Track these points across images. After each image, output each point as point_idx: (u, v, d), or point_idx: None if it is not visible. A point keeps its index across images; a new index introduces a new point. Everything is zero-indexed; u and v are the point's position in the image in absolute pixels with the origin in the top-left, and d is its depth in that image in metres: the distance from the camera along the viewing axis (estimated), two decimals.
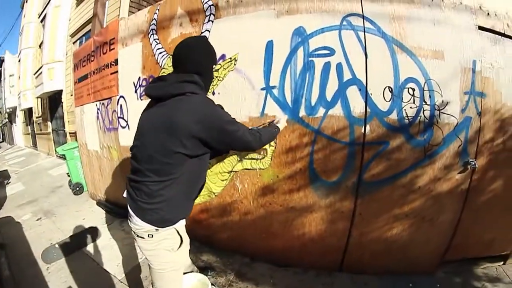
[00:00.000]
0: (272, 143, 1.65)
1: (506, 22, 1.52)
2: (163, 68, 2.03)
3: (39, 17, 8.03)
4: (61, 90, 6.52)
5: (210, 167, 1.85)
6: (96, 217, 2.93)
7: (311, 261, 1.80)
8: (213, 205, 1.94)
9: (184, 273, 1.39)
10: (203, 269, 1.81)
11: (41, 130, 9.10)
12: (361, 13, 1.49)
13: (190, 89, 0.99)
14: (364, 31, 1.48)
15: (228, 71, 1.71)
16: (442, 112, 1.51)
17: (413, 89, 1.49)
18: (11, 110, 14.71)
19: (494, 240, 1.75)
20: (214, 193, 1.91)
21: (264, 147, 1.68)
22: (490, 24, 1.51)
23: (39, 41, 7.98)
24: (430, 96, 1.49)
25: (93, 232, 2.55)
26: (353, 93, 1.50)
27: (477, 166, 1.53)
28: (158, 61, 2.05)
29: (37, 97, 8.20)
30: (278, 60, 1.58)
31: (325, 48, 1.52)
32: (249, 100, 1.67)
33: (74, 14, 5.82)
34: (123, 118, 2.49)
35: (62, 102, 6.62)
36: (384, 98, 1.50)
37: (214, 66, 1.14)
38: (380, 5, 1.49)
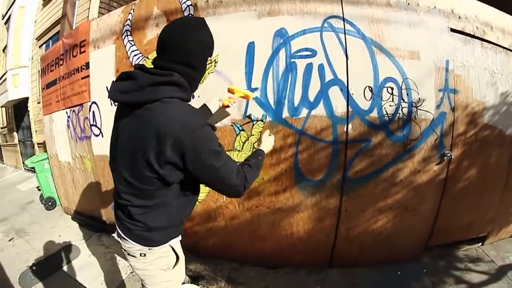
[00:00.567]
0: (256, 145, 1.63)
1: (475, 24, 1.68)
2: None
3: (2, 18, 7.42)
4: (27, 98, 6.06)
5: None
6: (73, 232, 2.75)
7: (301, 260, 1.82)
8: (197, 213, 1.89)
9: None
10: (193, 279, 1.76)
11: (6, 141, 8.41)
12: (342, 16, 1.55)
13: (169, 93, 0.76)
14: (345, 33, 1.54)
15: (208, 73, 1.67)
16: (419, 109, 1.61)
17: (392, 88, 1.57)
18: None
19: (472, 223, 1.90)
20: (197, 200, 1.86)
21: (248, 151, 1.66)
22: (461, 27, 1.65)
23: (3, 44, 7.38)
24: (407, 94, 1.58)
25: (72, 249, 2.39)
26: (335, 93, 1.55)
27: (452, 157, 1.65)
28: (133, 64, 1.97)
29: (1, 106, 7.57)
30: (259, 62, 1.58)
31: (307, 49, 1.55)
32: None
33: (41, 15, 5.43)
34: (96, 125, 2.35)
35: (28, 111, 6.15)
36: (364, 97, 1.56)
37: (209, 58, 0.88)
38: (359, 8, 1.56)
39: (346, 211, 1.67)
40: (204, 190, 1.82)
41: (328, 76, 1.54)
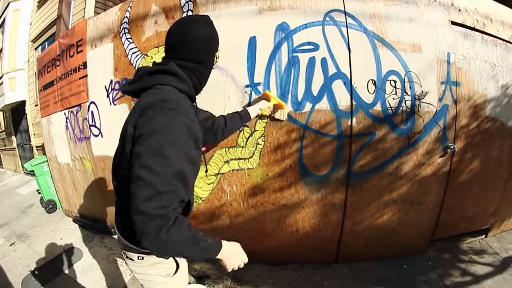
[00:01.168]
0: (260, 141, 1.60)
1: (475, 17, 1.66)
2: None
3: None
4: (25, 101, 5.95)
5: None
6: (74, 235, 2.69)
7: (307, 256, 1.79)
8: (200, 211, 1.85)
9: None
10: (198, 278, 1.73)
11: (5, 145, 8.27)
12: (343, 9, 1.52)
13: (163, 80, 0.74)
14: (347, 27, 1.51)
15: None
16: (422, 102, 1.58)
17: (395, 81, 1.54)
18: None
19: (476, 215, 1.89)
20: (201, 198, 1.82)
21: (251, 147, 1.62)
22: (461, 19, 1.63)
23: None
24: (410, 87, 1.56)
25: (74, 252, 2.34)
26: (338, 87, 1.51)
27: (456, 149, 1.62)
28: (132, 62, 1.91)
29: None
30: (262, 56, 1.54)
31: (309, 43, 1.51)
32: (233, 98, 1.60)
33: (36, 17, 5.33)
34: (95, 125, 2.29)
35: (26, 114, 6.04)
36: (368, 90, 1.53)
37: (216, 53, 0.88)
38: (361, 2, 1.53)
39: (352, 205, 1.64)
40: (207, 188, 1.78)
41: (331, 70, 1.51)
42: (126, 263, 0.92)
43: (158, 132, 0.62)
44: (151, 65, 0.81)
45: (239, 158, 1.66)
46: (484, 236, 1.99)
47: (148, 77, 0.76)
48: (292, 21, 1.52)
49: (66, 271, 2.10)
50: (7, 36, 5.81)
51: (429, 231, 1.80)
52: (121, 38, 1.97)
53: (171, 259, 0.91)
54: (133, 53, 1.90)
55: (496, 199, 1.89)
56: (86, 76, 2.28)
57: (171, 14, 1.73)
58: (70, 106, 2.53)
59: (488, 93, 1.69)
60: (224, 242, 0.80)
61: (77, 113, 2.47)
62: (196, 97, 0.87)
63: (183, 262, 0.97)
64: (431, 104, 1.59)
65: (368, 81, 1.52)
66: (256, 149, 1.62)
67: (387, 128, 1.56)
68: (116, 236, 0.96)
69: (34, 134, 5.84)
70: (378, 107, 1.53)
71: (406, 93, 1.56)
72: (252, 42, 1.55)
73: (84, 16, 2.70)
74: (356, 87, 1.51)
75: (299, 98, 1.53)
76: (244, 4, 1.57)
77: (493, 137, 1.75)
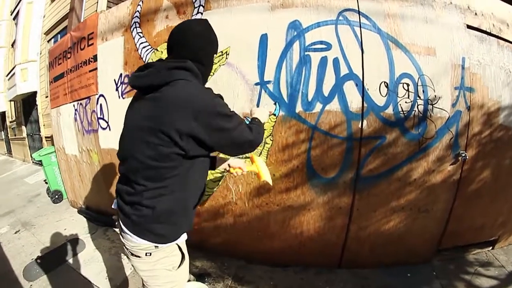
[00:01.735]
0: (268, 140, 1.55)
1: (492, 22, 1.59)
2: None
3: (11, 14, 7.36)
4: (36, 92, 6.00)
5: None
6: (78, 226, 2.67)
7: (310, 259, 1.73)
8: (204, 209, 1.81)
9: None
10: (199, 276, 1.68)
11: (15, 135, 8.37)
12: (357, 9, 1.46)
13: (182, 76, 0.79)
14: (360, 27, 1.46)
15: (219, 65, 1.59)
16: (434, 107, 1.52)
17: (408, 84, 1.48)
18: None
19: (484, 226, 1.81)
20: (205, 194, 1.78)
21: (259, 146, 1.58)
22: (477, 23, 1.56)
23: (12, 39, 7.32)
24: (423, 91, 1.50)
25: (77, 243, 2.32)
26: (350, 88, 1.46)
27: (467, 157, 1.55)
28: (142, 56, 1.88)
29: (10, 100, 7.52)
30: (272, 54, 1.50)
31: (321, 42, 1.46)
32: (242, 96, 1.56)
33: (49, 10, 5.36)
34: (103, 118, 2.27)
35: (36, 105, 6.09)
36: (380, 93, 1.47)
37: (215, 54, 0.94)
38: (375, 1, 1.48)
39: (358, 210, 1.58)
40: (212, 185, 1.74)
41: (344, 70, 1.45)
42: (132, 261, 0.91)
43: (220, 109, 0.80)
44: (161, 61, 0.84)
45: (247, 157, 1.61)
46: (491, 247, 1.91)
47: (166, 71, 0.79)
48: (305, 19, 1.47)
49: (69, 261, 2.08)
50: (21, 28, 5.87)
51: (435, 239, 1.74)
52: (131, 32, 1.94)
53: (177, 251, 0.94)
54: (143, 47, 1.87)
55: (506, 210, 1.81)
56: (96, 69, 2.27)
57: (183, 9, 1.69)
58: (79, 98, 2.52)
59: (502, 100, 1.62)
60: (257, 114, 1.09)
61: (86, 105, 2.45)
62: None
63: (186, 254, 1.00)
64: (444, 110, 1.53)
65: (381, 83, 1.47)
66: (263, 148, 1.58)
67: (398, 132, 1.50)
68: (121, 236, 0.93)
69: (43, 125, 5.89)
70: (389, 110, 1.48)
71: (419, 97, 1.49)
72: (264, 39, 1.50)
73: (96, 10, 2.68)
74: (368, 89, 1.46)
75: (310, 98, 1.48)
76: (256, 1, 1.53)
77: (505, 146, 1.67)
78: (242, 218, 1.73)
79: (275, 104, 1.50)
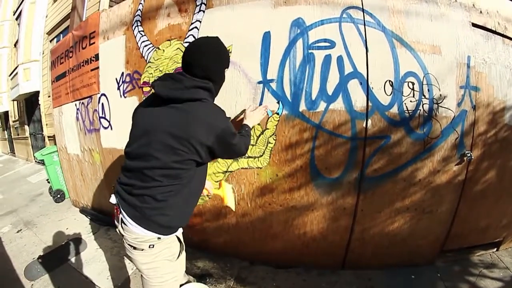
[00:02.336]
0: (271, 139, 1.51)
1: (497, 20, 1.54)
2: (148, 62, 1.83)
3: (14, 14, 7.33)
4: (38, 92, 5.97)
5: None
6: (80, 225, 2.65)
7: (313, 260, 1.70)
8: (207, 208, 1.77)
9: (181, 285, 1.23)
10: (200, 277, 1.65)
11: (18, 134, 8.35)
12: (361, 6, 1.42)
13: (204, 95, 0.92)
14: (364, 24, 1.42)
15: None
16: (440, 106, 1.48)
17: (413, 83, 1.44)
18: None
19: (489, 227, 1.77)
20: (207, 195, 1.74)
21: (262, 145, 1.55)
22: (482, 22, 1.52)
23: (14, 39, 7.30)
24: (428, 90, 1.46)
25: (78, 242, 2.30)
26: (354, 86, 1.42)
27: (473, 157, 1.51)
28: (143, 54, 1.84)
29: (13, 100, 7.49)
30: (276, 52, 1.45)
31: (325, 40, 1.42)
32: (245, 94, 1.52)
33: (51, 10, 5.32)
34: (105, 118, 2.24)
35: (39, 104, 6.06)
36: (385, 91, 1.43)
37: (226, 68, 1.03)
38: None
39: (362, 211, 1.54)
40: (214, 186, 1.70)
41: (348, 69, 1.41)
42: (133, 254, 0.95)
43: (231, 129, 0.97)
44: (185, 77, 0.92)
45: (249, 157, 1.57)
46: (495, 249, 1.87)
47: (194, 89, 0.90)
48: (308, 16, 1.43)
49: (70, 261, 2.05)
50: (23, 28, 5.84)
51: (439, 241, 1.70)
52: (133, 31, 1.91)
53: (177, 241, 1.04)
54: (145, 46, 1.83)
55: (510, 211, 1.77)
56: (97, 68, 2.23)
57: (184, 7, 1.66)
58: (81, 97, 2.49)
59: (507, 100, 1.58)
60: (248, 120, 1.28)
61: (88, 104, 2.42)
62: None
63: (183, 244, 1.09)
64: (449, 109, 1.49)
65: (385, 82, 1.42)
66: (266, 147, 1.54)
67: (403, 131, 1.46)
68: (120, 230, 0.97)
69: (46, 124, 5.85)
70: (394, 110, 1.43)
71: (424, 96, 1.45)
72: (266, 37, 1.46)
73: (99, 9, 2.65)
74: (372, 88, 1.42)
75: (313, 97, 1.44)
76: None
77: (510, 146, 1.63)
78: (244, 219, 1.69)
79: (278, 102, 1.46)
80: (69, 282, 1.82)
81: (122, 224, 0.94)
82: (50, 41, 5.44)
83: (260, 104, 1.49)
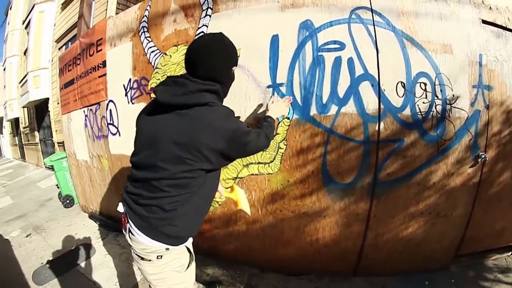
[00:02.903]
0: (282, 145, 1.45)
1: (507, 16, 1.47)
2: (155, 68, 1.78)
3: (23, 23, 7.42)
4: (48, 99, 6.00)
5: None
6: (89, 231, 2.61)
7: (325, 267, 1.62)
8: (216, 215, 1.71)
9: None
10: (210, 284, 1.59)
11: (28, 140, 8.42)
12: (370, 7, 1.36)
13: (211, 99, 0.84)
14: (374, 25, 1.36)
15: None
16: (453, 106, 1.41)
17: (425, 84, 1.38)
18: None
19: (504, 230, 1.68)
20: (217, 202, 1.68)
21: (272, 150, 1.49)
22: (492, 18, 1.45)
23: (24, 48, 7.37)
24: (441, 90, 1.39)
25: (87, 248, 2.25)
26: (365, 89, 1.35)
27: (487, 158, 1.44)
28: (150, 60, 1.80)
29: (23, 107, 7.56)
30: (284, 55, 1.40)
31: (335, 42, 1.36)
32: (254, 99, 1.46)
33: (59, 19, 5.36)
34: (113, 124, 2.20)
35: (49, 111, 6.09)
36: (397, 93, 1.36)
37: (234, 67, 0.93)
38: None
39: (376, 216, 1.46)
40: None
41: (358, 71, 1.34)
42: (140, 264, 0.91)
43: (242, 129, 0.89)
44: (191, 81, 0.84)
45: (259, 163, 1.51)
46: (510, 253, 1.77)
47: (199, 93, 0.82)
48: (316, 18, 1.37)
49: (78, 266, 2.01)
50: (32, 36, 5.89)
51: (454, 245, 1.61)
52: (140, 37, 1.87)
53: (186, 252, 0.97)
54: (152, 51, 1.79)
55: None
56: (105, 74, 2.20)
57: (190, 12, 1.61)
58: (89, 104, 2.46)
59: None
60: (271, 112, 1.19)
61: (96, 111, 2.39)
62: None
63: (193, 255, 1.02)
64: (462, 110, 1.41)
65: (397, 84, 1.35)
66: (277, 153, 1.47)
67: (416, 134, 1.39)
68: (128, 240, 0.92)
69: (56, 131, 5.88)
70: (407, 112, 1.36)
71: (437, 97, 1.38)
72: (275, 40, 1.41)
73: (106, 16, 2.62)
74: (384, 90, 1.35)
75: (324, 100, 1.37)
76: (265, 1, 1.44)
77: None
78: (255, 225, 1.62)
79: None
80: (77, 287, 1.77)
81: (130, 234, 0.89)
82: (59, 48, 5.47)
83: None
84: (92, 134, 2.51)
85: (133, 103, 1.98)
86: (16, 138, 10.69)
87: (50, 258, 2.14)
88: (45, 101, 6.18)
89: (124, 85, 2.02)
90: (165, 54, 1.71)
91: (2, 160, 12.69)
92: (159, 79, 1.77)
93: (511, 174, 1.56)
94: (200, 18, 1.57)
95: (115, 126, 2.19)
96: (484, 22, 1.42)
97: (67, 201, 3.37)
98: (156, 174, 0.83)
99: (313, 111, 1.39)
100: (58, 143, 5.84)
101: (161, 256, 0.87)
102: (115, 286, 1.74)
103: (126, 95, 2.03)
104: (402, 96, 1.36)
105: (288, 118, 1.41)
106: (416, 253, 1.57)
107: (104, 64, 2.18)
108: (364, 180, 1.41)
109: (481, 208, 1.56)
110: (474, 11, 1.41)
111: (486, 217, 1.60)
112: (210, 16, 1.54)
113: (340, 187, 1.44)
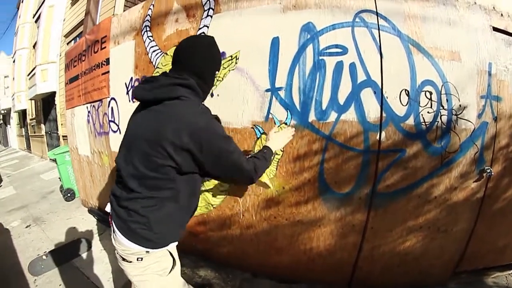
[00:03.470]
0: (278, 151, 1.41)
1: None
2: (157, 67, 1.77)
3: (33, 17, 7.56)
4: (55, 92, 6.09)
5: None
6: (87, 226, 2.62)
7: (318, 277, 1.58)
8: (211, 218, 1.69)
9: None
10: (201, 286, 1.57)
11: (34, 132, 8.58)
12: (375, 10, 1.31)
13: (183, 93, 0.81)
14: (379, 29, 1.30)
15: (229, 70, 1.47)
16: (459, 117, 1.35)
17: (431, 93, 1.32)
18: (5, 111, 13.97)
19: (506, 247, 1.63)
20: (212, 205, 1.66)
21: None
22: (503, 25, 1.39)
23: (34, 41, 7.51)
24: (447, 100, 1.33)
25: (84, 242, 2.26)
26: (367, 96, 1.30)
27: (492, 173, 1.38)
28: (152, 60, 1.79)
29: (31, 99, 7.70)
30: (284, 59, 1.36)
31: (337, 46, 1.31)
32: (252, 103, 1.43)
33: (69, 13, 5.44)
34: (114, 121, 2.20)
35: (55, 104, 6.19)
36: (400, 101, 1.31)
37: (217, 72, 0.94)
38: (394, 2, 1.32)
39: (372, 228, 1.41)
40: (219, 195, 1.63)
41: (361, 77, 1.30)
42: (122, 265, 0.91)
43: (217, 130, 0.82)
44: (165, 76, 0.85)
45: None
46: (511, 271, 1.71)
47: (170, 87, 0.80)
48: (319, 21, 1.32)
49: (74, 260, 2.02)
50: (42, 30, 5.98)
51: (453, 261, 1.55)
52: (142, 36, 1.86)
53: (168, 256, 0.93)
54: (153, 51, 1.78)
55: None
56: (108, 72, 2.20)
57: (192, 12, 1.59)
58: (92, 100, 2.47)
59: None
60: (270, 145, 1.07)
61: (98, 108, 2.40)
62: (213, 100, 1.00)
63: (177, 261, 0.98)
64: (469, 121, 1.36)
65: (401, 91, 1.30)
66: (273, 159, 1.44)
67: (419, 145, 1.33)
68: (112, 239, 0.92)
69: (61, 124, 5.97)
70: (410, 121, 1.31)
71: (442, 106, 1.32)
72: (275, 42, 1.37)
73: (113, 13, 2.63)
74: (387, 97, 1.30)
75: (324, 107, 1.33)
76: (267, 2, 1.40)
77: None
78: (249, 230, 1.59)
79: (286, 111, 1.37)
80: (71, 281, 1.78)
81: (114, 234, 0.90)
82: (67, 43, 5.54)
83: (268, 112, 1.40)
84: (94, 130, 2.52)
85: (134, 102, 1.98)
86: (23, 129, 10.92)
87: (47, 250, 2.16)
88: (52, 94, 6.27)
89: (126, 84, 2.02)
90: (166, 54, 1.70)
91: (8, 150, 12.98)
92: None
93: None
94: (202, 19, 1.54)
95: (116, 124, 2.19)
96: (495, 29, 1.36)
97: (68, 194, 3.41)
98: (129, 173, 0.84)
99: (312, 117, 1.34)
100: (63, 136, 5.92)
101: (142, 259, 0.87)
102: (108, 282, 1.74)
103: (127, 93, 2.03)
104: (406, 104, 1.31)
105: (286, 124, 1.38)
106: (413, 268, 1.51)
107: (107, 61, 2.18)
108: (362, 190, 1.36)
109: (484, 224, 1.50)
110: (484, 18, 1.35)
111: (489, 233, 1.54)
112: (211, 16, 1.52)
113: (337, 197, 1.39)
